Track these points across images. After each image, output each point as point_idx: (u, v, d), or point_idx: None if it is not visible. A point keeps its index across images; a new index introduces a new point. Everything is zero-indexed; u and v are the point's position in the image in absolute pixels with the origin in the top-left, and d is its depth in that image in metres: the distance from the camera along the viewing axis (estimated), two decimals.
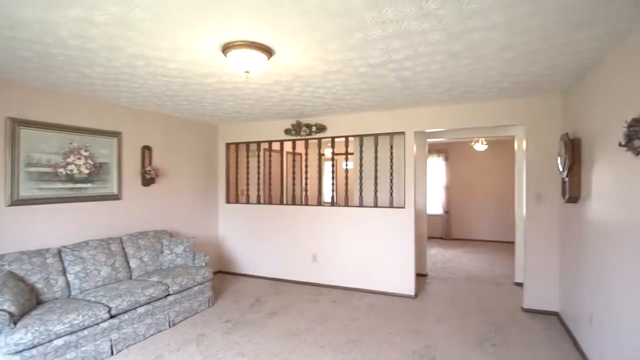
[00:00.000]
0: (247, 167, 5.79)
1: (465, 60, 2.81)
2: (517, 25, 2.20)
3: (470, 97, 4.00)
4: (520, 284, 5.01)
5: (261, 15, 2.07)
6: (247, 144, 5.77)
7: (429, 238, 8.88)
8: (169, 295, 3.75)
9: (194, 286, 4.08)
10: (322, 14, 2.05)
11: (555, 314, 3.99)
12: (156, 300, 3.59)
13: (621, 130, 2.29)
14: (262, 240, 5.58)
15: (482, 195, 8.78)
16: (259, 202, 5.65)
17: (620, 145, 1.99)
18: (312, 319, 3.97)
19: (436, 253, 7.41)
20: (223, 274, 5.82)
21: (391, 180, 4.82)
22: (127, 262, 3.98)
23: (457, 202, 9.01)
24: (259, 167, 5.67)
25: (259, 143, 5.68)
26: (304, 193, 5.41)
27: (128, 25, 2.20)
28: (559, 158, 3.47)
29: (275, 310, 4.24)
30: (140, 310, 3.42)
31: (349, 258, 4.99)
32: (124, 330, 3.26)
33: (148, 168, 4.57)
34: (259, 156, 5.69)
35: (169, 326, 3.73)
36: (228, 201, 5.91)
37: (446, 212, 8.97)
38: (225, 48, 2.49)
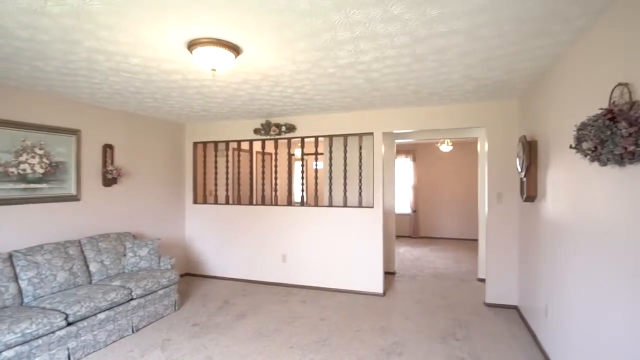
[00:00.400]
0: (216, 167, 5.67)
1: (431, 64, 2.89)
2: (478, 32, 2.29)
3: (436, 99, 4.12)
4: (483, 280, 5.21)
5: (227, 13, 2.04)
6: (216, 143, 5.66)
7: (398, 237, 9.06)
8: (132, 299, 3.61)
9: (159, 290, 3.95)
10: (290, 14, 2.05)
11: (515, 307, 4.18)
12: (118, 306, 3.45)
13: (572, 134, 2.44)
14: (230, 241, 5.50)
15: (448, 195, 9.07)
16: (227, 203, 5.56)
17: (570, 147, 2.11)
18: (281, 319, 3.95)
19: (404, 251, 7.58)
20: (190, 277, 5.68)
21: (360, 180, 4.88)
22: (87, 266, 3.80)
23: (425, 202, 9.25)
24: (227, 167, 5.58)
25: (227, 142, 5.58)
26: (273, 193, 5.38)
27: (86, 18, 2.10)
28: (517, 159, 3.64)
29: (243, 312, 4.19)
30: (101, 316, 3.27)
31: (319, 258, 5.01)
32: (82, 338, 3.11)
33: (110, 167, 4.38)
34: (227, 156, 5.60)
35: (133, 332, 3.60)
36: (196, 202, 5.77)
37: (414, 211, 9.20)
38: (191, 45, 2.43)
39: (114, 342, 3.40)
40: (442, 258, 6.96)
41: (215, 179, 5.68)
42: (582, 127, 1.94)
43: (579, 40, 2.37)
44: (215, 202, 5.65)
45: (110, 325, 3.37)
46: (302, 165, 5.26)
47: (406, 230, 9.34)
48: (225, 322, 3.89)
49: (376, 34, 2.31)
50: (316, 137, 5.09)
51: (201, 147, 5.84)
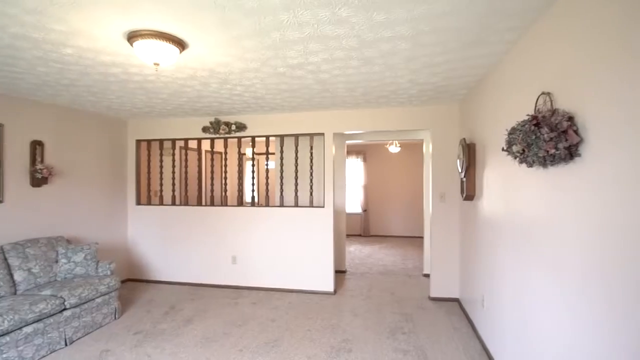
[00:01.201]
0: (161, 166, 5.41)
1: (378, 67, 2.98)
2: (421, 39, 2.40)
3: (384, 102, 4.26)
4: (428, 275, 5.47)
5: (172, 4, 1.95)
6: (161, 141, 5.40)
7: (349, 236, 9.25)
8: (65, 309, 3.33)
9: (97, 297, 3.68)
10: (237, 10, 2.00)
11: (456, 300, 4.45)
12: (48, 317, 3.17)
13: (504, 137, 2.64)
14: (178, 244, 5.27)
15: (396, 195, 9.41)
16: (174, 204, 5.32)
17: (502, 150, 2.28)
18: (230, 322, 3.86)
19: (355, 250, 7.75)
20: (134, 282, 5.36)
21: (311, 180, 4.91)
22: (11, 275, 3.44)
23: (375, 201, 9.53)
24: (174, 167, 5.34)
25: (174, 141, 5.34)
26: (223, 193, 5.24)
27: (8, 1, 1.90)
28: (458, 160, 3.87)
29: (191, 316, 4.03)
30: (28, 329, 2.98)
31: (270, 258, 4.97)
32: (4, 355, 2.81)
33: (39, 166, 4.01)
34: (174, 154, 5.36)
35: (66, 344, 3.32)
36: (139, 203, 5.46)
37: (364, 210, 9.43)
38: (132, 37, 2.30)
39: (43, 357, 3.11)
40: (390, 255, 7.21)
41: (161, 178, 5.42)
42: (512, 131, 2.10)
43: (511, 51, 2.57)
44: (161, 203, 5.39)
45: (39, 339, 3.09)
46: (253, 165, 5.18)
47: (357, 229, 9.55)
48: (171, 328, 3.72)
49: (325, 35, 2.33)
50: (267, 137, 5.04)
51: (145, 145, 5.54)
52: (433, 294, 4.54)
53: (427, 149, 5.64)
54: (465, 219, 4.07)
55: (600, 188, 1.51)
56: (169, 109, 4.58)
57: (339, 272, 5.78)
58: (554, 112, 1.84)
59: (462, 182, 3.84)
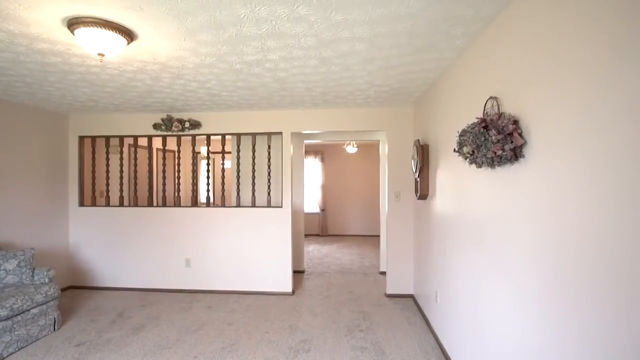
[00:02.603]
0: (107, 165, 5.07)
1: (336, 67, 3.00)
2: (377, 41, 2.44)
3: (341, 102, 4.30)
4: (384, 273, 5.61)
5: None
6: (107, 138, 5.06)
7: (307, 235, 9.25)
8: None
9: (33, 308, 3.37)
10: (191, 1, 1.91)
11: (411, 296, 4.59)
12: None
13: (455, 139, 2.76)
14: (126, 248, 4.97)
15: (354, 194, 9.56)
16: (122, 205, 5.01)
17: (454, 151, 2.39)
18: (184, 328, 3.70)
19: (313, 249, 7.76)
20: (78, 290, 4.98)
21: (269, 180, 4.84)
22: None
23: (333, 201, 9.61)
24: (121, 165, 5.03)
25: (121, 138, 5.03)
26: (176, 194, 5.02)
27: None
28: (412, 161, 4.00)
29: (141, 324, 3.82)
30: None
31: (226, 260, 4.83)
32: None
33: None
34: (121, 152, 5.05)
35: None
36: (82, 204, 5.08)
37: (322, 210, 9.49)
38: (73, 24, 2.12)
39: None
40: (348, 254, 7.30)
41: (107, 178, 5.08)
42: (463, 133, 2.20)
43: (461, 56, 2.69)
44: (108, 205, 5.05)
45: None
46: (208, 164, 5.01)
47: (315, 228, 9.58)
48: (119, 337, 3.49)
49: (283, 33, 2.30)
50: (223, 135, 4.90)
51: (89, 142, 5.17)
52: (389, 291, 4.65)
53: (384, 149, 5.78)
54: (419, 217, 4.21)
55: (542, 187, 1.62)
56: (116, 103, 4.31)
57: (298, 272, 5.76)
58: (500, 115, 1.94)
59: (416, 182, 3.97)
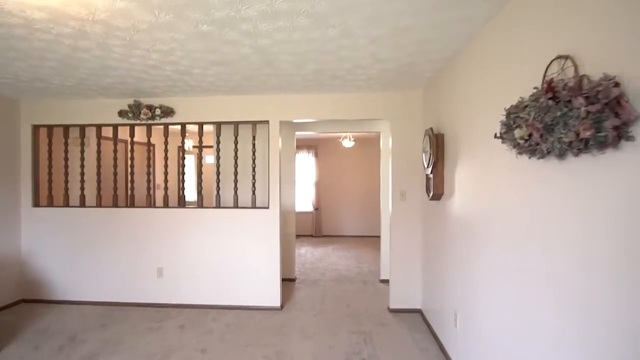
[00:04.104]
0: (66, 159, 4.35)
1: (333, 32, 2.33)
2: None
3: (338, 85, 3.63)
4: (386, 281, 4.98)
5: None
6: (66, 127, 4.34)
7: (299, 236, 8.60)
8: None
9: None
10: None
11: (418, 311, 3.96)
12: None
13: (489, 123, 2.11)
14: (89, 255, 4.27)
15: (350, 192, 8.91)
16: (84, 205, 4.31)
17: (496, 137, 1.74)
18: (148, 356, 3.03)
19: (306, 252, 7.11)
20: (30, 304, 4.27)
21: (254, 177, 4.16)
22: None
23: (327, 199, 8.95)
24: (83, 160, 4.32)
25: (83, 127, 4.32)
26: (147, 193, 4.31)
27: None
28: (423, 154, 3.35)
29: (95, 351, 3.14)
30: None
31: (204, 269, 4.16)
32: None
33: None
34: (83, 144, 4.34)
35: None
36: (37, 204, 4.36)
37: (316, 209, 8.83)
38: None
39: None
40: (344, 258, 6.65)
41: (67, 174, 4.37)
42: (514, 110, 1.55)
43: (504, 9, 2.03)
44: (67, 205, 4.35)
45: None
46: (184, 159, 4.32)
47: (308, 229, 8.93)
48: None
49: None
50: (200, 125, 4.21)
51: (45, 132, 4.44)
52: (393, 305, 4.02)
53: (385, 142, 5.14)
54: (430, 220, 3.57)
55: None
56: (70, 85, 3.60)
57: (288, 281, 5.10)
58: (581, 79, 1.29)
59: (427, 179, 3.33)
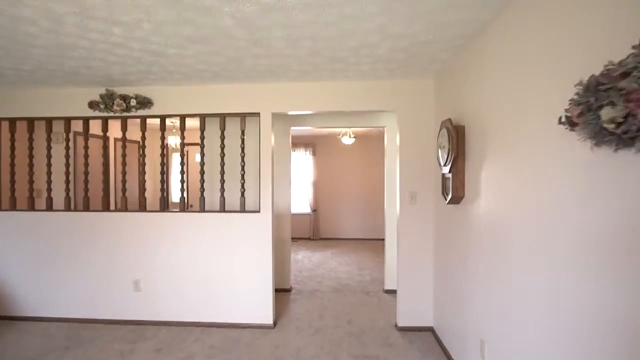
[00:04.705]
0: (31, 157, 3.84)
1: None
2: None
3: (340, 70, 3.14)
4: (391, 292, 4.52)
5: None
6: (30, 120, 3.83)
7: (296, 239, 8.12)
8: None
9: None
10: None
11: (430, 329, 3.48)
12: None
13: (538, 109, 1.63)
14: (57, 265, 3.77)
15: (350, 192, 8.43)
16: (50, 209, 3.80)
17: (561, 122, 1.27)
18: None
19: (303, 258, 6.62)
20: None
21: (243, 177, 3.67)
22: None
23: (326, 200, 8.47)
24: (49, 157, 3.82)
25: (49, 120, 3.81)
26: (122, 195, 3.81)
27: None
28: (439, 151, 2.87)
29: None
30: None
31: (186, 282, 3.66)
32: None
33: None
34: (49, 140, 3.83)
35: None
36: None
37: (314, 210, 8.34)
38: None
39: None
40: (344, 264, 6.17)
41: (31, 174, 3.86)
42: (604, 79, 1.07)
43: None
44: (31, 209, 3.84)
45: None
46: (163, 156, 3.82)
47: (305, 231, 8.44)
48: None
49: None
50: (182, 117, 3.71)
51: (6, 126, 3.93)
52: (401, 322, 3.53)
53: (390, 138, 4.66)
54: (446, 227, 3.09)
55: None
56: (28, 69, 3.09)
57: (283, 291, 4.62)
58: None
59: (444, 179, 2.85)
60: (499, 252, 2.06)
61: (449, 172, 2.66)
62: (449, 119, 2.67)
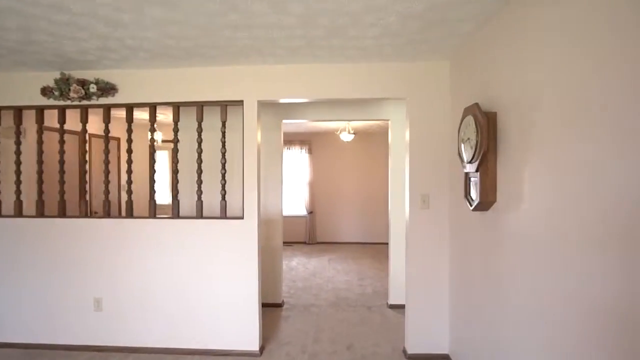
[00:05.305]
0: None
1: None
2: None
3: (337, 47, 2.60)
4: (396, 307, 3.99)
5: None
6: None
7: (291, 243, 7.58)
8: None
9: None
10: None
11: (446, 357, 2.93)
12: None
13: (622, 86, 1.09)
14: (7, 281, 3.20)
15: (349, 193, 7.89)
16: None
17: None
18: None
19: (297, 265, 6.07)
20: None
21: (224, 177, 3.11)
22: None
23: (323, 201, 7.92)
24: None
25: None
26: (79, 199, 3.25)
27: None
28: (462, 145, 2.32)
29: None
30: None
31: (157, 300, 3.11)
32: None
33: None
34: (17, 135, 3.27)
35: None
36: None
37: (310, 212, 7.79)
38: None
39: None
40: (343, 272, 5.62)
41: None
42: None
43: None
44: None
45: None
46: (130, 152, 3.26)
47: (301, 235, 7.90)
48: None
49: None
50: (152, 106, 3.15)
51: None
52: (411, 348, 2.99)
53: (396, 133, 4.13)
54: (469, 236, 2.55)
55: None
56: None
57: (273, 306, 4.08)
58: None
59: (467, 179, 2.30)
60: (550, 275, 1.52)
61: (476, 170, 2.11)
62: (476, 105, 2.12)
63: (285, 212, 6.60)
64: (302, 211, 7.86)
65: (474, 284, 2.39)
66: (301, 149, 7.76)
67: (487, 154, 2.04)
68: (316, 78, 3.00)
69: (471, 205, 2.22)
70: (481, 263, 2.28)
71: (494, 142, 2.05)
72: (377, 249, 7.06)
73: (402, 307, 3.79)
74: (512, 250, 1.88)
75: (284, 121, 4.26)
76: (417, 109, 2.95)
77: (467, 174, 2.31)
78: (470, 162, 2.17)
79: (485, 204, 2.11)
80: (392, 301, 4.09)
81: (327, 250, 7.23)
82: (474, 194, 2.18)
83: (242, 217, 3.04)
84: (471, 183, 2.25)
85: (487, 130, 2.02)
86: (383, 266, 5.77)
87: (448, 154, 2.88)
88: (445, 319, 2.95)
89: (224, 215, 3.09)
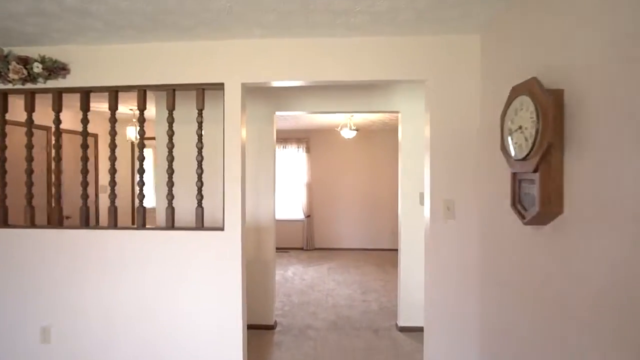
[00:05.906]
0: None
1: None
2: None
3: (341, 13, 2.03)
4: (408, 330, 3.43)
5: None
6: None
7: (287, 249, 7.01)
8: None
9: None
10: None
11: None
12: None
13: None
14: None
15: (351, 195, 7.32)
16: None
17: None
18: None
19: (293, 276, 5.48)
20: None
21: (200, 179, 2.52)
22: None
23: (322, 204, 7.35)
24: None
25: None
26: (27, 205, 2.66)
27: None
28: (509, 137, 1.74)
29: None
30: None
31: (119, 329, 2.52)
32: None
33: None
34: None
35: None
36: None
37: (308, 216, 7.22)
38: None
39: None
40: (344, 285, 5.04)
41: None
42: None
43: None
44: None
45: None
46: (86, 147, 2.67)
47: (298, 240, 7.32)
48: None
49: None
50: (112, 91, 2.56)
51: None
52: None
53: (407, 127, 3.57)
54: (515, 259, 1.97)
55: None
56: None
57: (263, 329, 3.51)
58: None
59: (517, 182, 1.73)
60: None
61: (534, 170, 1.53)
62: (534, 79, 1.54)
63: (281, 216, 6.06)
64: (299, 215, 7.28)
65: (519, 323, 1.81)
66: (298, 147, 7.19)
67: (551, 148, 1.47)
68: (314, 56, 2.42)
69: (524, 218, 1.64)
70: (534, 299, 1.70)
71: (561, 132, 1.47)
72: (381, 256, 6.48)
73: (415, 330, 3.27)
74: (595, 288, 1.31)
75: (277, 113, 3.69)
76: (439, 94, 2.38)
77: (515, 175, 1.73)
78: (524, 158, 1.59)
79: (546, 216, 1.53)
80: (402, 322, 3.52)
81: (326, 257, 6.65)
82: (529, 201, 1.61)
83: (222, 229, 2.45)
84: (523, 187, 1.67)
85: (553, 115, 1.45)
86: (389, 277, 5.20)
87: (479, 149, 2.31)
88: (473, 351, 2.37)
89: (200, 225, 2.50)
